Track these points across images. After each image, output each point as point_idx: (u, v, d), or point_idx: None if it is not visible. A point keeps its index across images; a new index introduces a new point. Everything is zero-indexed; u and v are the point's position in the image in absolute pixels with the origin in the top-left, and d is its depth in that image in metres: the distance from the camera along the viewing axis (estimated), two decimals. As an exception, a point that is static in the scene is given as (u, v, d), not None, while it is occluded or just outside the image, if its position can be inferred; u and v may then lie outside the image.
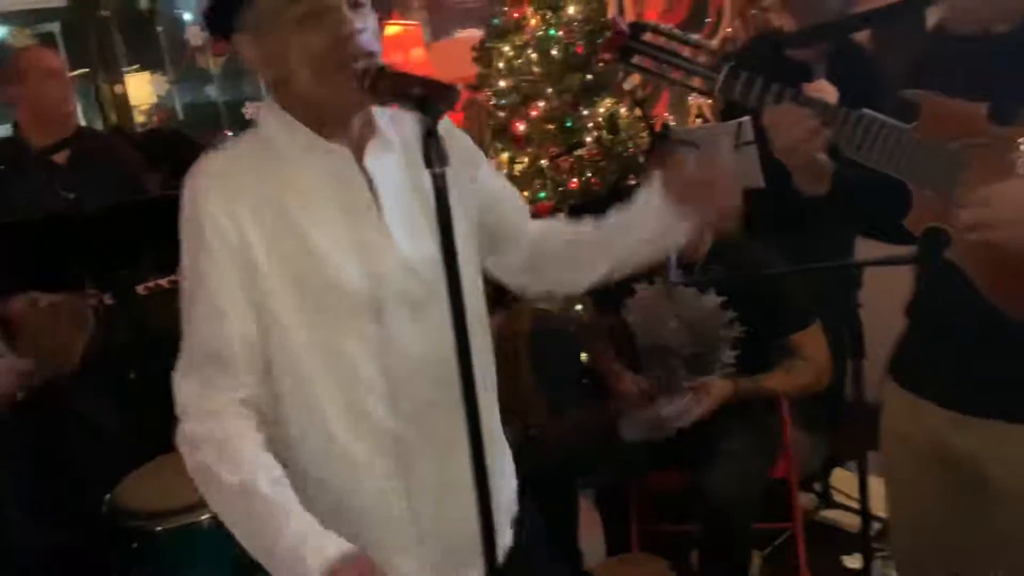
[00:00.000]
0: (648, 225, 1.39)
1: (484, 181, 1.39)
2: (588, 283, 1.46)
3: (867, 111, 1.34)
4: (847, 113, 1.34)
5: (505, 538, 1.35)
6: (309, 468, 1.24)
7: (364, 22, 1.16)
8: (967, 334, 1.37)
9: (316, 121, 1.21)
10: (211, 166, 1.21)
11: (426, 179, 1.24)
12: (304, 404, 1.23)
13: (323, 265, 1.19)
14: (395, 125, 1.29)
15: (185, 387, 1.21)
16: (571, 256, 1.46)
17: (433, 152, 1.00)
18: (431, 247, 1.24)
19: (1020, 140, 1.25)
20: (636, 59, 1.42)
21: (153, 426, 2.50)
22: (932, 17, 1.46)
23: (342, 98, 1.16)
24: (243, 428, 1.18)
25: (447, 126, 1.23)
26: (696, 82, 1.42)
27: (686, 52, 1.41)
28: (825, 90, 2.43)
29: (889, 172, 1.34)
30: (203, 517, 1.93)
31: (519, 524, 1.42)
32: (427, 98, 1.00)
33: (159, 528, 1.93)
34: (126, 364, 2.51)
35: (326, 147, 1.21)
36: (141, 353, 2.47)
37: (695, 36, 1.41)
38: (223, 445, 1.15)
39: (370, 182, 1.23)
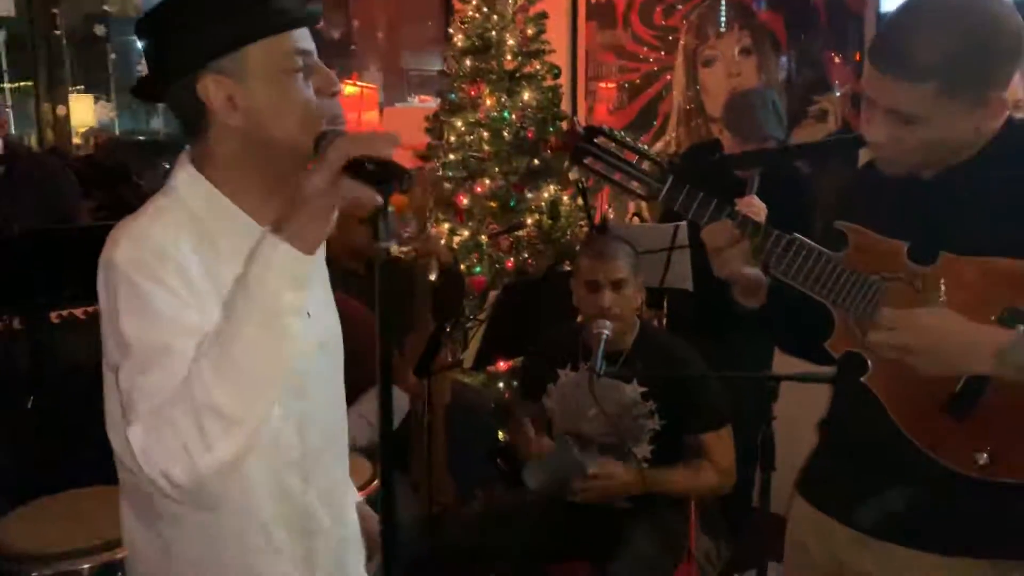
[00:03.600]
0: None
1: None
2: None
3: (798, 236, 1.42)
4: (779, 236, 1.41)
5: None
6: (224, 543, 1.18)
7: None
8: (874, 458, 1.43)
9: (255, 177, 1.18)
10: (150, 231, 1.11)
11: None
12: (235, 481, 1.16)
13: None
14: None
15: (142, 434, 1.03)
16: None
17: (382, 227, 1.00)
18: (335, 324, 1.31)
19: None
20: (587, 160, 1.48)
21: (43, 462, 2.41)
22: (864, 156, 1.55)
23: (296, 156, 1.14)
24: None
25: None
26: (640, 188, 1.48)
27: (634, 157, 1.47)
28: (755, 205, 2.55)
29: (813, 295, 1.40)
30: (84, 566, 1.83)
31: None
32: (379, 175, 1.01)
33: (34, 573, 1.82)
34: (24, 392, 2.40)
35: (248, 226, 1.16)
36: (42, 383, 2.37)
37: (644, 145, 1.48)
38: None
39: None
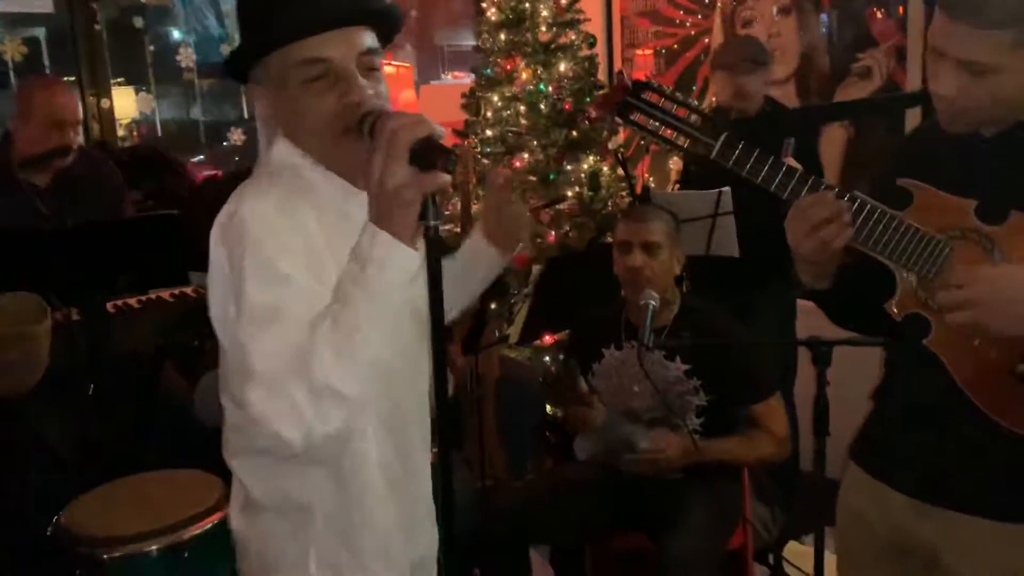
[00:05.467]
0: (479, 265, 1.48)
1: None
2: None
3: (859, 193, 1.35)
4: (840, 193, 1.35)
5: None
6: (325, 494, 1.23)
7: (375, 87, 1.18)
8: (936, 423, 1.39)
9: (330, 164, 1.23)
10: (271, 188, 1.17)
11: None
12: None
13: None
14: None
15: (260, 397, 1.07)
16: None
17: (429, 207, 1.04)
18: (423, 288, 1.31)
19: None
20: (635, 116, 1.42)
21: (108, 448, 2.47)
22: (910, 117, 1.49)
23: (347, 159, 1.19)
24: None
25: None
26: (691, 144, 1.42)
27: (684, 112, 1.42)
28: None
29: (876, 255, 1.35)
30: (151, 548, 1.87)
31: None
32: (423, 155, 1.02)
33: (104, 556, 1.86)
34: (85, 380, 2.46)
35: (344, 187, 1.22)
36: (101, 371, 2.43)
37: (694, 101, 1.42)
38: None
39: None
